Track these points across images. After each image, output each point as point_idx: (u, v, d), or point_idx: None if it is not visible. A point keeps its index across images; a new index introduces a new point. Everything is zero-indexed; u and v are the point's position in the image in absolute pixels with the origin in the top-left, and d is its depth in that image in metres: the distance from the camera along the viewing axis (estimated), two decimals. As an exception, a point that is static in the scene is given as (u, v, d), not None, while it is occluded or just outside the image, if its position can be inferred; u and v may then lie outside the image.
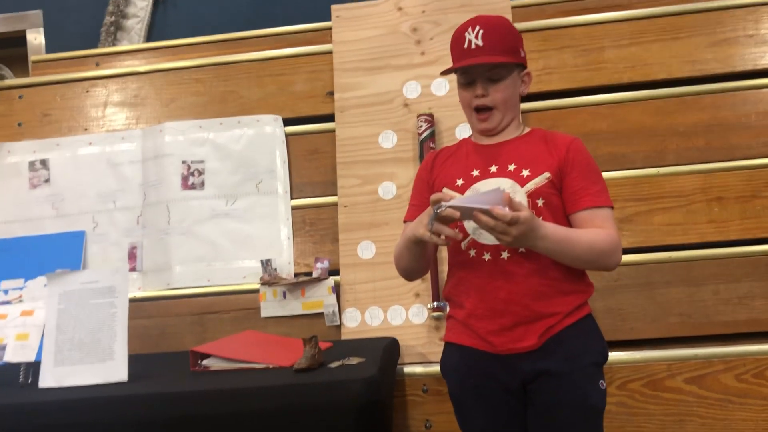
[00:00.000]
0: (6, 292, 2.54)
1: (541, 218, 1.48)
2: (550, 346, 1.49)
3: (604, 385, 1.54)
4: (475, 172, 1.56)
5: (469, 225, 1.52)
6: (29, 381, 1.87)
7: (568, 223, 1.54)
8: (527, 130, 1.63)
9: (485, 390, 1.54)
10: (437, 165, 1.65)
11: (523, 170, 1.53)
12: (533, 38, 2.58)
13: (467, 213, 1.41)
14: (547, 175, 1.53)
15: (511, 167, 1.55)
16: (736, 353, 2.02)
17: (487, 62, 1.53)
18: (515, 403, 1.53)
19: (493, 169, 1.56)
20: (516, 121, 1.63)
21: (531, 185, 1.52)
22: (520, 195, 1.51)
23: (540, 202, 1.52)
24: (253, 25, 3.11)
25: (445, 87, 2.48)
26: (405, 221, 1.67)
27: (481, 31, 1.54)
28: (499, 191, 1.41)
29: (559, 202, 1.54)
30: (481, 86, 1.56)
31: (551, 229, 1.45)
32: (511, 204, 1.38)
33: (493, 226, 1.38)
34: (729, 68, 2.50)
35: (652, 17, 2.56)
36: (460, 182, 1.57)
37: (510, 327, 1.49)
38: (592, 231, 1.51)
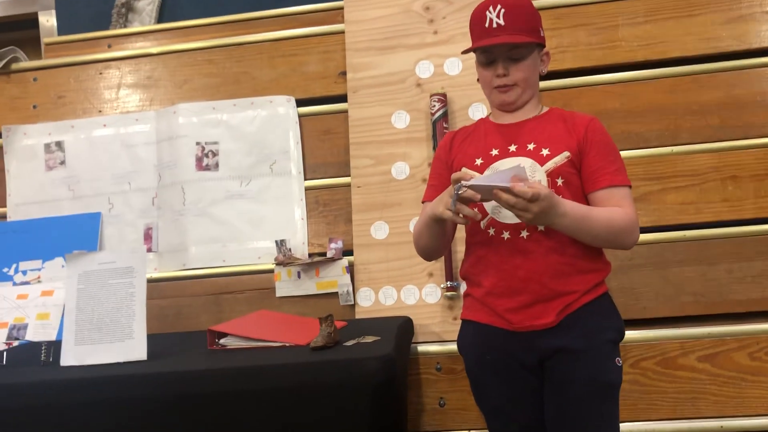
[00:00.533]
0: (24, 272, 2.57)
1: (560, 197, 1.49)
2: (568, 323, 1.51)
3: (621, 362, 1.55)
4: (495, 152, 1.57)
5: (488, 204, 1.53)
6: (51, 359, 1.90)
7: (587, 203, 1.55)
8: (545, 109, 1.64)
9: (502, 366, 1.56)
10: (455, 145, 1.66)
11: (543, 149, 1.54)
12: (547, 16, 2.53)
13: (487, 192, 1.42)
14: (566, 154, 1.54)
15: (531, 146, 1.55)
16: (749, 332, 2.03)
17: (509, 42, 1.53)
18: (532, 379, 1.55)
19: (513, 148, 1.56)
20: (535, 99, 1.63)
21: (551, 164, 1.53)
22: (540, 174, 1.52)
23: (560, 181, 1.53)
24: (264, 4, 3.09)
25: (458, 66, 2.47)
26: (423, 202, 1.68)
27: (502, 11, 1.53)
28: (519, 168, 1.42)
29: (578, 182, 1.55)
30: (502, 66, 1.56)
31: (570, 206, 1.46)
32: (527, 183, 1.40)
33: (514, 204, 1.39)
34: (745, 45, 2.47)
35: (667, -6, 2.54)
36: (479, 161, 1.58)
37: (528, 305, 1.51)
38: (611, 209, 1.52)
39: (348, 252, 2.42)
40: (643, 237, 2.26)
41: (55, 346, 1.91)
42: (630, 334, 2.02)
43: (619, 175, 1.55)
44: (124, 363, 1.80)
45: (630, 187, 1.57)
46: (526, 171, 1.47)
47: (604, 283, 1.58)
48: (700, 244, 2.27)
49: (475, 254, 1.59)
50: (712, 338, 2.02)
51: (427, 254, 1.69)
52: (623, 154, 2.28)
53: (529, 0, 1.61)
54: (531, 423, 1.56)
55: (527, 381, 1.55)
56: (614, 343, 1.56)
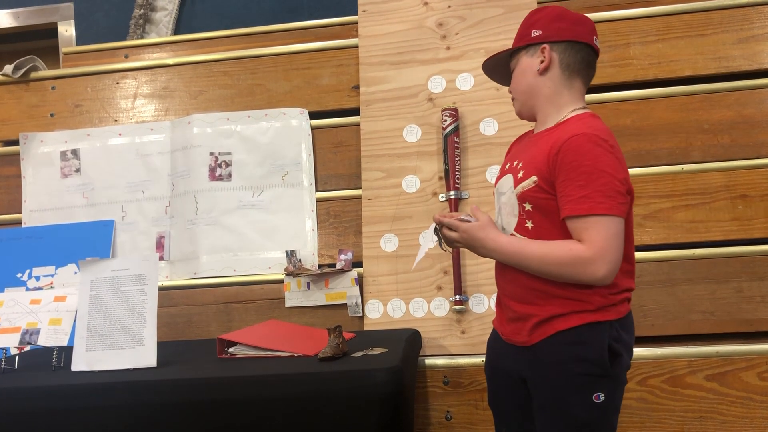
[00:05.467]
0: (38, 278, 2.60)
1: (531, 222, 1.44)
2: (541, 348, 1.44)
3: (601, 398, 1.41)
4: (508, 166, 1.58)
5: (497, 222, 1.56)
6: (62, 364, 1.92)
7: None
8: (569, 116, 1.49)
9: (502, 371, 1.58)
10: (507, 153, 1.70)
11: (521, 171, 1.48)
12: (559, 34, 2.58)
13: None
14: (533, 179, 1.44)
15: (518, 165, 1.51)
16: (758, 351, 2.02)
17: (485, 71, 1.64)
18: (521, 391, 1.52)
19: (516, 164, 1.55)
20: (550, 106, 1.51)
21: (518, 189, 1.47)
22: (509, 195, 1.50)
23: (528, 206, 1.45)
24: (279, 18, 3.14)
25: (469, 82, 2.49)
26: None
27: None
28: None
29: (554, 206, 1.42)
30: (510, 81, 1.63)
31: (501, 242, 1.45)
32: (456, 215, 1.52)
33: (444, 234, 1.53)
34: (756, 65, 2.49)
35: (679, 13, 2.55)
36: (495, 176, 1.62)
37: (510, 320, 1.53)
38: (551, 244, 1.41)
39: (357, 264, 2.43)
40: (652, 254, 2.27)
41: (66, 352, 1.93)
42: (638, 352, 2.01)
43: (584, 203, 1.36)
44: (134, 369, 1.82)
45: (603, 214, 1.36)
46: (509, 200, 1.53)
47: (593, 313, 1.42)
48: (710, 263, 2.27)
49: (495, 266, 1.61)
50: (721, 357, 2.01)
51: None
52: (633, 171, 2.33)
53: (533, 9, 1.61)
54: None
55: (517, 390, 1.53)
56: (591, 377, 1.40)
